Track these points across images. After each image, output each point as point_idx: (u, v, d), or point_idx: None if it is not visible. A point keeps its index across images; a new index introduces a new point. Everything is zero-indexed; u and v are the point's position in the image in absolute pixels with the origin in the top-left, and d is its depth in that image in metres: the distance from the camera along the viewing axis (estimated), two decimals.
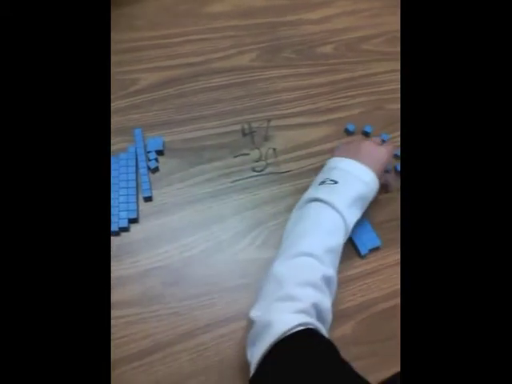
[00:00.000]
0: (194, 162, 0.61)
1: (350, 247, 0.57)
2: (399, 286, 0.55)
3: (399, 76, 0.74)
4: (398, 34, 0.79)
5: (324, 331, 0.40)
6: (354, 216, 0.49)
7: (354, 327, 0.52)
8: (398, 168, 0.63)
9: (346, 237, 0.49)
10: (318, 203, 0.48)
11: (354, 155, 0.52)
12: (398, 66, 0.75)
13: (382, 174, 0.54)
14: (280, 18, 0.78)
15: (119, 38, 0.69)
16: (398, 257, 0.57)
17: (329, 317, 0.44)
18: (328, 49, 0.75)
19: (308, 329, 0.38)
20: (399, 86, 0.72)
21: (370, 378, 0.49)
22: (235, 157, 0.62)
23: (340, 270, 0.55)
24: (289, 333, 0.37)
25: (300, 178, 0.61)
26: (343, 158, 0.52)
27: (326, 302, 0.43)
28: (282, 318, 0.38)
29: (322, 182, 0.50)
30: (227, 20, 0.76)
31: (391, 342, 0.52)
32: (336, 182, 0.49)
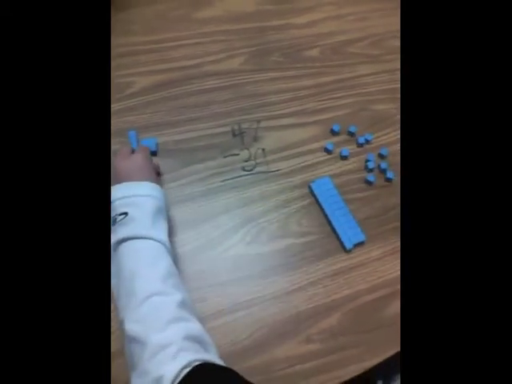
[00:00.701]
0: (185, 162, 0.63)
1: (336, 242, 0.59)
2: (383, 279, 0.58)
3: (384, 77, 0.77)
4: (383, 37, 0.82)
5: (212, 356, 0.39)
6: (162, 231, 0.48)
7: (341, 318, 0.54)
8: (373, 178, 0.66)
9: (170, 253, 0.47)
10: (124, 244, 0.45)
11: (124, 177, 0.50)
12: (382, 67, 0.78)
13: (156, 172, 0.57)
14: (268, 23, 0.80)
15: (115, 43, 0.71)
16: (382, 251, 0.60)
17: (206, 337, 0.41)
18: (315, 52, 0.78)
19: (195, 367, 0.35)
20: (384, 88, 0.75)
21: (357, 367, 0.52)
22: (225, 157, 0.64)
23: (326, 264, 0.58)
24: (177, 381, 0.34)
25: (288, 176, 0.64)
26: (118, 186, 0.49)
27: (195, 325, 0.41)
28: (164, 370, 0.35)
29: (114, 221, 0.46)
30: (218, 25, 0.78)
31: (377, 332, 0.54)
32: (126, 213, 0.46)
